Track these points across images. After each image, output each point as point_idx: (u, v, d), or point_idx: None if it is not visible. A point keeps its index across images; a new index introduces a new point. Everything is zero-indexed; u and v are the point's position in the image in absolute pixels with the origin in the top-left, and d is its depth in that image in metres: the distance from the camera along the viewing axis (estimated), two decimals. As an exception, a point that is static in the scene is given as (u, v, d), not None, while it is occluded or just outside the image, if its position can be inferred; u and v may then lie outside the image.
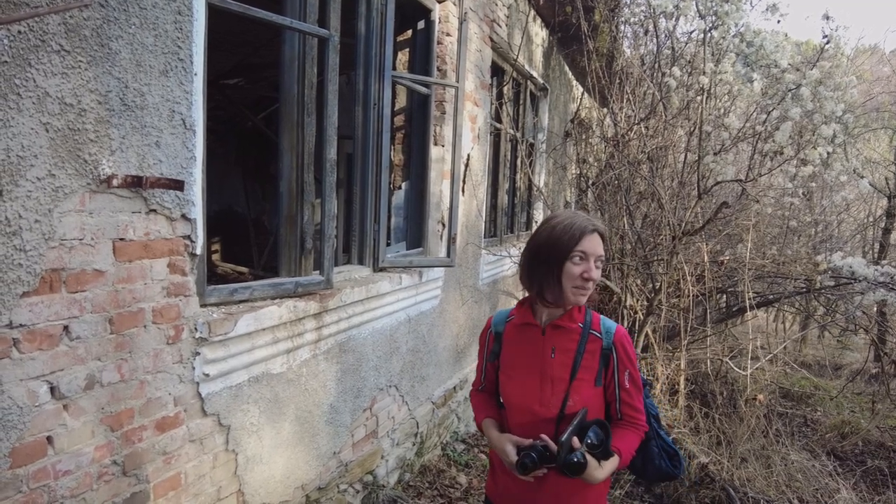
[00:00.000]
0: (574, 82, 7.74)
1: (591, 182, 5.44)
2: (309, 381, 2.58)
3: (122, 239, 1.68)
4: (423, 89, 3.59)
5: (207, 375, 2.02)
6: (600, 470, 1.51)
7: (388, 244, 3.78)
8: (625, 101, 4.88)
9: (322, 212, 2.54)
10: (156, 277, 1.80)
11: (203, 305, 2.04)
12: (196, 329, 1.96)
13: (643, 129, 4.85)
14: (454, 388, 4.21)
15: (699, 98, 4.86)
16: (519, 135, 5.56)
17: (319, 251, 2.57)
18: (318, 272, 2.61)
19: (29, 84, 1.40)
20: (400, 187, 3.90)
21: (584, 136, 6.17)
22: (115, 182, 1.61)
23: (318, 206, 2.66)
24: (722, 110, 5.05)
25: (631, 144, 4.81)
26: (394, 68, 3.20)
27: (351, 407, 2.94)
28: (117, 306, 1.68)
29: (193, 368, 1.97)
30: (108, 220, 1.63)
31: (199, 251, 1.95)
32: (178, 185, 1.80)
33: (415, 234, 3.80)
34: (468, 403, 4.49)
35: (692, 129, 5.00)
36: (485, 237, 4.74)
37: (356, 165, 3.12)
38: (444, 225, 3.81)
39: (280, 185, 2.58)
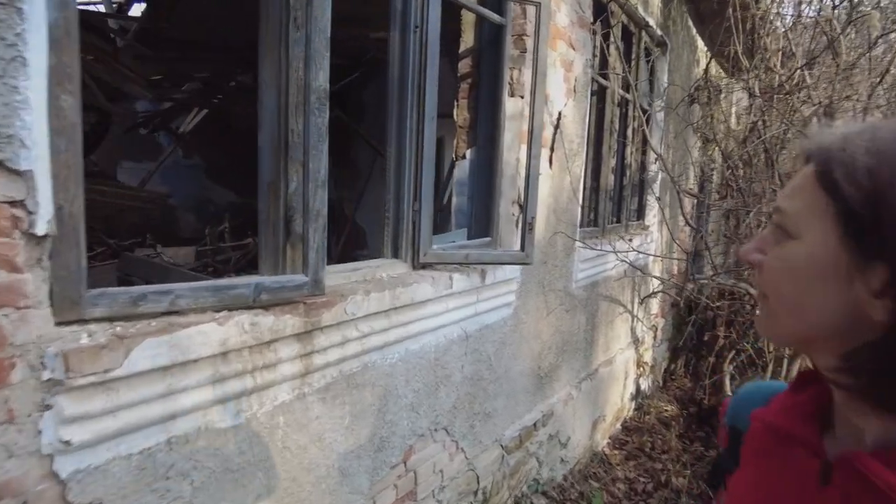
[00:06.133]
0: (699, 41, 6.33)
1: (728, 157, 4.13)
2: (291, 434, 1.70)
3: None
4: (495, 17, 2.58)
5: (68, 444, 1.18)
6: None
7: (446, 231, 2.84)
8: (782, 40, 3.55)
9: (303, 174, 1.63)
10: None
11: (71, 322, 1.20)
12: (43, 365, 1.13)
13: (807, 77, 3.50)
14: (534, 424, 3.18)
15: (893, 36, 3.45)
16: (631, 97, 4.37)
17: (304, 239, 1.66)
18: (303, 272, 1.70)
19: None
20: (464, 157, 2.93)
21: (716, 98, 4.82)
22: None
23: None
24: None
25: (792, 97, 3.47)
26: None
27: (369, 465, 2.03)
28: None
29: (39, 432, 1.14)
30: None
31: (44, 229, 1.11)
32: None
33: (481, 219, 2.81)
34: (553, 443, 3.44)
35: (880, 77, 3.58)
36: (581, 226, 3.65)
37: (391, 115, 2.20)
38: (521, 206, 2.79)
39: (259, 136, 1.71)
